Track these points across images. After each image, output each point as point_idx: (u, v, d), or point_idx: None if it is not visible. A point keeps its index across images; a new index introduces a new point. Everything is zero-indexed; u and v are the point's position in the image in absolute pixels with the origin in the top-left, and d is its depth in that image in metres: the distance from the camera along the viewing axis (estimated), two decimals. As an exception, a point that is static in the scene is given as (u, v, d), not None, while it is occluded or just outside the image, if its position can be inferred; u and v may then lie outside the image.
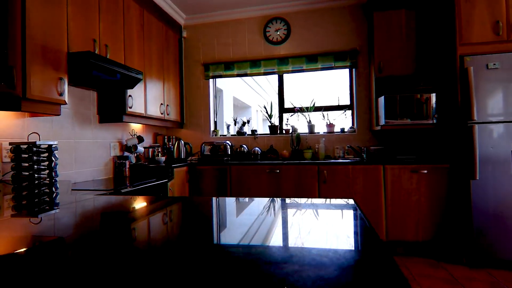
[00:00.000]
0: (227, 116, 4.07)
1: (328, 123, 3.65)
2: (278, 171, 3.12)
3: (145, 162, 3.45)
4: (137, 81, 2.63)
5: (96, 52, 2.33)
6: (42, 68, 1.88)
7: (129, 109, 2.74)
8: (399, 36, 3.10)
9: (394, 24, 3.11)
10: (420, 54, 3.06)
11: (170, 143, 3.72)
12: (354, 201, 0.94)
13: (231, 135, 3.97)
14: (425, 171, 2.80)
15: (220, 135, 3.98)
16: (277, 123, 3.85)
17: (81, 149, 2.59)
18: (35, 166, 1.87)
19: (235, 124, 3.96)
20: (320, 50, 3.60)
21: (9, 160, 1.91)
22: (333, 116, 3.68)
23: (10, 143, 1.89)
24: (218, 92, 4.73)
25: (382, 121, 3.05)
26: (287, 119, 3.78)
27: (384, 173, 2.89)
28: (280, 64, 3.69)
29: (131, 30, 2.81)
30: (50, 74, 1.94)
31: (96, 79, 2.33)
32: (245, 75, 3.84)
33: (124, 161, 2.93)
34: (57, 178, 2.02)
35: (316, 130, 3.69)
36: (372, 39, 3.23)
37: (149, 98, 3.09)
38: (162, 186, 2.60)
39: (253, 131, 3.83)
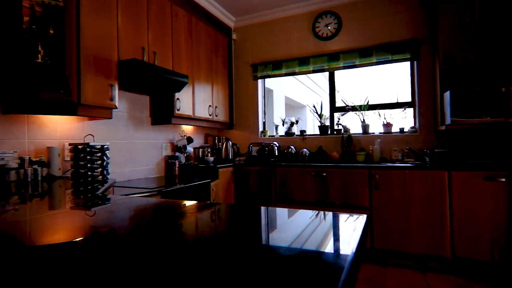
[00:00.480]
0: (278, 116, 4.00)
1: (385, 122, 3.31)
2: (324, 174, 2.94)
3: (195, 162, 3.59)
4: (183, 84, 2.75)
5: (145, 59, 2.49)
6: (94, 76, 2.08)
7: (177, 111, 2.88)
8: (468, 20, 2.63)
9: (463, 7, 2.65)
10: (494, 41, 2.55)
11: (220, 144, 3.82)
12: (366, 218, 0.80)
13: (280, 135, 3.89)
14: (503, 179, 2.32)
15: (269, 136, 3.94)
16: (328, 123, 3.64)
17: (134, 149, 2.82)
18: (88, 165, 2.07)
19: (283, 125, 3.87)
20: (374, 43, 3.28)
21: (69, 159, 2.17)
22: (390, 114, 3.32)
23: (70, 144, 2.13)
24: (268, 93, 4.70)
25: (448, 119, 2.63)
26: (338, 119, 3.55)
27: (449, 181, 2.48)
28: (330, 60, 3.48)
29: (179, 37, 2.95)
30: (102, 81, 2.14)
31: (144, 84, 2.50)
32: (293, 74, 3.72)
33: (174, 161, 3.10)
34: (108, 176, 2.22)
35: (370, 131, 3.38)
36: (435, 26, 2.81)
37: (197, 100, 3.21)
38: (204, 186, 2.66)
39: (302, 132, 3.69)
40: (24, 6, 1.94)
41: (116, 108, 2.27)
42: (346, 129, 3.44)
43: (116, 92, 2.25)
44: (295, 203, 3.06)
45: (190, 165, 3.18)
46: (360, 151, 3.24)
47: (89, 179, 2.06)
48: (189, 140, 3.29)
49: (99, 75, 2.12)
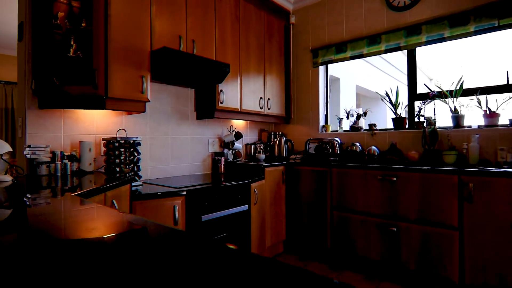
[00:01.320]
0: (344, 109, 3.42)
1: (488, 112, 2.44)
2: (394, 178, 2.31)
3: (245, 159, 3.34)
4: (224, 74, 2.49)
5: (181, 48, 2.32)
6: (124, 68, 1.98)
7: (220, 104, 2.65)
8: None
9: None
10: None
11: (276, 140, 3.47)
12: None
13: (344, 131, 3.32)
14: None
15: (331, 131, 3.40)
16: (406, 114, 2.92)
17: (178, 145, 2.70)
18: (117, 160, 1.99)
19: (347, 118, 3.28)
20: (472, 5, 2.44)
21: (102, 154, 2.14)
22: (496, 101, 2.43)
23: (103, 139, 2.10)
24: (333, 82, 4.10)
25: None
26: (419, 109, 2.79)
27: None
28: (409, 35, 2.75)
29: (223, 22, 2.71)
30: (132, 73, 2.03)
31: (179, 74, 2.33)
32: (361, 56, 3.10)
33: (220, 158, 2.89)
34: (140, 173, 2.12)
35: (465, 123, 2.55)
36: None
37: (245, 92, 2.93)
38: (242, 187, 2.36)
39: (371, 126, 3.05)
40: (60, 2, 1.96)
41: (149, 101, 2.15)
42: (430, 122, 2.68)
43: (148, 84, 2.12)
44: (355, 213, 2.50)
45: (233, 163, 2.93)
46: (449, 150, 2.46)
47: (117, 175, 1.98)
48: (238, 135, 3.04)
49: (129, 66, 2.02)
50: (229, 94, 2.75)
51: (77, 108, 1.93)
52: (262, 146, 3.36)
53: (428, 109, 2.78)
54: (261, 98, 3.12)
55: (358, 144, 2.99)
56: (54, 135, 1.98)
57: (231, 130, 3.10)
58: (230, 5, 2.79)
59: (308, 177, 2.82)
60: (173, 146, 2.67)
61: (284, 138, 3.33)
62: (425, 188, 2.17)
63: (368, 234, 2.43)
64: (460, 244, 2.01)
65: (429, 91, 2.72)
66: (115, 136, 2.19)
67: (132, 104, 2.09)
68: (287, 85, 3.61)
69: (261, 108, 3.12)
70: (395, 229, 2.30)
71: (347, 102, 4.19)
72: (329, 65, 3.53)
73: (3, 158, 1.55)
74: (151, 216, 1.78)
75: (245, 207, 2.32)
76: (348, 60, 3.21)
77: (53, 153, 1.88)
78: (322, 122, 3.47)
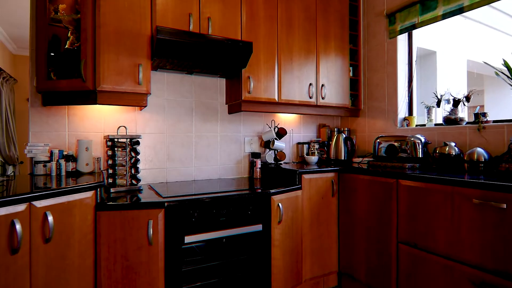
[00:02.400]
0: (441, 92, 2.30)
1: None
2: (504, 206, 1.31)
3: (296, 161, 2.72)
4: (244, 55, 1.98)
5: (191, 28, 1.93)
6: (116, 57, 1.74)
7: (247, 95, 2.15)
8: None
9: None
10: None
11: (333, 138, 2.71)
12: None
13: (435, 124, 2.29)
14: None
15: (417, 125, 2.41)
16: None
17: (203, 143, 2.34)
18: (109, 161, 1.76)
19: (437, 105, 2.23)
20: None
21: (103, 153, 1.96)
22: None
23: (104, 137, 1.91)
24: (426, 57, 2.92)
25: None
26: None
27: None
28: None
29: (252, -8, 2.19)
30: (126, 62, 1.76)
31: (189, 60, 1.94)
32: (460, 11, 2.03)
33: (255, 160, 2.39)
34: (138, 175, 1.84)
35: None
36: None
37: (285, 78, 2.32)
38: (259, 199, 1.79)
39: (478, 116, 1.96)
40: (62, -7, 1.86)
41: (149, 93, 1.84)
42: None
43: (145, 74, 1.82)
44: (435, 254, 1.59)
45: (269, 167, 2.37)
46: None
47: (109, 180, 1.75)
48: (280, 132, 2.47)
49: (123, 54, 1.76)
50: (261, 81, 2.21)
51: (70, 104, 1.78)
52: (316, 146, 2.67)
53: None
54: (310, 84, 2.44)
55: (453, 144, 1.96)
56: (57, 133, 1.90)
57: (274, 126, 2.54)
58: (263, -31, 2.24)
59: (366, 190, 2.01)
60: (197, 145, 2.32)
61: (343, 136, 2.54)
62: None
63: (456, 292, 1.49)
64: None
65: None
66: (135, 133, 1.99)
67: (129, 97, 1.82)
68: (355, 67, 2.79)
69: (310, 98, 2.45)
70: (505, 295, 1.31)
71: (450, 85, 2.94)
72: (414, 33, 2.52)
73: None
74: (120, 233, 1.45)
75: (258, 227, 1.74)
76: (440, 21, 2.17)
77: (51, 152, 1.79)
78: (404, 113, 2.51)
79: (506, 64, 1.78)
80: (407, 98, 2.52)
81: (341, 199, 2.20)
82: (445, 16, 2.10)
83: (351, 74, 2.77)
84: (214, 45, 1.86)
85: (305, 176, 2.07)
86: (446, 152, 1.96)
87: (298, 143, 2.75)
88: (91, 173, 1.87)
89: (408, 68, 2.53)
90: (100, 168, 1.95)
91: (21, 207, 1.13)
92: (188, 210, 1.56)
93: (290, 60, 2.35)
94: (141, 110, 2.13)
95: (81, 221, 1.38)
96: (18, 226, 1.10)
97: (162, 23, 1.85)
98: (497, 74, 1.86)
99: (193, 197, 1.61)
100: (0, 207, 1.06)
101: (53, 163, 1.76)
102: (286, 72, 2.33)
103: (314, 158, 2.53)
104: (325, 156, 2.67)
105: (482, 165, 1.77)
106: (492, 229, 1.36)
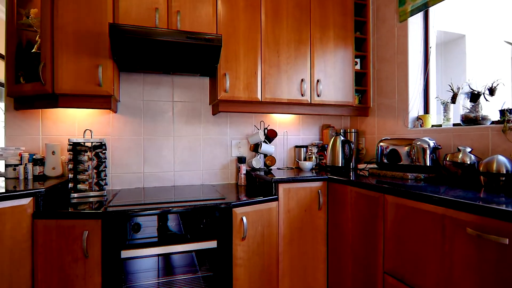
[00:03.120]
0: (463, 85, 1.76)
1: None
2: (506, 241, 0.93)
3: (292, 166, 2.45)
4: (214, 50, 1.78)
5: (157, 24, 1.80)
6: (75, 58, 1.68)
7: (223, 94, 1.96)
8: None
9: None
10: None
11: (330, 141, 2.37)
12: None
13: (454, 124, 1.84)
14: None
15: (433, 126, 1.97)
16: None
17: (183, 147, 2.21)
18: (79, 166, 1.71)
19: (453, 101, 1.77)
20: None
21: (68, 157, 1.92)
22: None
23: (68, 141, 1.88)
24: (451, 43, 2.35)
25: None
26: None
27: None
28: None
29: (230, -19, 1.98)
30: (85, 63, 1.70)
31: (154, 59, 1.82)
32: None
33: (240, 165, 2.19)
34: (105, 180, 1.77)
35: None
36: None
37: (271, 74, 2.07)
38: (217, 211, 1.58)
39: (503, 113, 1.50)
40: (35, -2, 1.87)
41: (111, 94, 1.76)
42: None
43: (106, 74, 1.73)
44: (423, 293, 1.22)
45: (250, 175, 2.13)
46: None
47: (70, 184, 1.70)
48: (269, 135, 2.23)
49: (82, 55, 1.70)
50: (240, 78, 2.00)
51: (34, 108, 1.78)
52: (315, 150, 2.36)
53: None
54: (302, 80, 2.15)
55: (468, 150, 1.54)
56: (31, 137, 1.92)
57: (262, 128, 2.30)
58: (243, -45, 2.02)
59: (353, 204, 1.67)
60: (177, 148, 2.19)
61: (341, 138, 2.19)
62: None
63: None
64: None
65: None
66: (80, 137, 1.94)
67: (92, 100, 1.76)
68: (362, 58, 2.41)
69: (302, 95, 2.16)
70: None
71: (485, 74, 2.33)
72: (431, 15, 2.07)
73: None
74: (57, 243, 1.37)
75: (212, 243, 1.53)
76: (456, -6, 1.72)
77: (21, 156, 1.81)
78: (417, 111, 2.08)
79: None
80: (421, 93, 2.08)
81: (330, 213, 1.88)
82: (462, -13, 1.67)
83: (358, 66, 2.40)
84: (169, 42, 1.69)
85: (283, 186, 1.80)
86: (459, 161, 1.54)
87: (296, 147, 2.47)
88: (59, 177, 1.85)
89: (424, 57, 2.09)
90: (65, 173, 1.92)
91: None
92: (128, 222, 1.43)
93: (276, 53, 2.09)
94: (115, 112, 2.06)
95: (13, 229, 1.33)
96: None
97: (124, 20, 1.75)
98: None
99: (137, 207, 1.47)
100: None
101: (21, 167, 1.77)
102: (272, 67, 2.08)
103: (308, 164, 2.23)
104: (324, 161, 2.35)
105: (504, 178, 1.34)
106: (491, 270, 0.97)
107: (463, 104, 1.74)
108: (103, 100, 1.78)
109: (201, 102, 2.26)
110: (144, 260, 1.56)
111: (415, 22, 2.07)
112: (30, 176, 1.79)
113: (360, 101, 2.43)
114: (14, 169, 1.79)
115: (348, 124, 2.66)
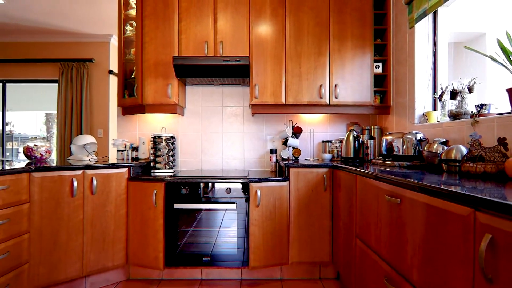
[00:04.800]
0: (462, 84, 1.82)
1: None
2: (398, 201, 1.28)
3: (317, 158, 2.88)
4: (243, 68, 2.42)
5: (206, 53, 2.55)
6: (154, 80, 2.57)
7: (254, 100, 2.58)
8: None
9: None
10: None
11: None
12: None
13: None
14: None
15: (438, 121, 2.16)
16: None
17: (230, 141, 2.91)
18: (157, 152, 2.60)
19: (439, 99, 1.94)
20: None
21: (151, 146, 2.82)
22: None
23: (152, 136, 2.78)
24: (472, 41, 2.30)
25: None
26: None
27: None
28: None
29: (259, 13, 2.58)
30: (160, 83, 2.57)
31: (206, 76, 2.55)
32: (458, -11, 1.76)
33: (272, 155, 2.76)
34: (174, 163, 2.60)
35: None
36: None
37: (292, 82, 2.59)
38: (244, 186, 2.20)
39: (479, 107, 1.68)
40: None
41: (176, 104, 2.58)
42: None
43: (175, 89, 2.56)
44: (370, 249, 1.58)
45: (279, 163, 2.66)
46: None
47: (151, 164, 2.59)
48: (295, 131, 2.74)
49: (158, 78, 2.57)
50: (267, 87, 2.58)
51: (132, 114, 2.73)
52: (337, 144, 2.75)
53: None
54: (321, 85, 2.59)
55: (441, 140, 1.77)
56: (131, 132, 2.91)
57: (290, 126, 2.82)
58: (271, -9, 2.60)
59: (343, 186, 2.06)
60: (226, 142, 2.91)
61: (354, 133, 2.52)
62: (430, 224, 1.06)
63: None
64: None
65: None
66: (159, 133, 2.81)
67: (164, 107, 2.61)
68: (384, 62, 2.68)
69: (321, 98, 2.59)
70: (397, 292, 1.27)
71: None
72: (440, 19, 2.24)
73: (86, 147, 2.61)
74: (137, 195, 2.23)
75: (232, 205, 2.17)
76: (443, 4, 1.92)
77: (125, 145, 2.80)
78: (423, 108, 2.28)
79: (500, 43, 1.51)
80: (431, 91, 2.27)
81: (334, 194, 2.28)
82: (446, -2, 1.88)
83: (380, 70, 2.68)
84: (214, 65, 2.40)
85: (293, 170, 2.30)
86: (434, 150, 1.79)
87: (323, 141, 2.89)
88: (146, 159, 2.77)
89: (433, 59, 2.27)
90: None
91: (78, 172, 2.05)
92: (180, 186, 2.18)
93: (298, 65, 2.59)
94: (182, 116, 2.90)
95: (117, 186, 2.24)
96: (76, 183, 2.01)
97: (185, 52, 2.55)
98: (491, 59, 1.57)
99: (188, 178, 2.22)
100: (66, 171, 1.99)
101: (125, 152, 2.76)
102: (294, 76, 2.59)
103: (327, 156, 2.64)
104: (348, 154, 2.70)
105: (458, 164, 1.57)
106: (393, 225, 1.33)
107: (450, 102, 1.92)
108: (171, 107, 2.62)
109: (243, 106, 2.92)
110: (192, 212, 2.29)
111: (422, 28, 2.28)
112: (129, 157, 2.76)
113: (382, 100, 2.69)
114: (122, 153, 2.78)
115: (374, 122, 2.93)
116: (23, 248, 1.83)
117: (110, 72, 4.77)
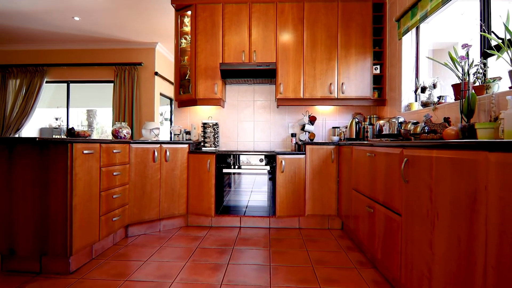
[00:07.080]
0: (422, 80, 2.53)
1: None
2: (373, 155, 2.06)
3: (328, 140, 3.66)
4: (271, 71, 3.24)
5: (243, 60, 3.39)
6: (204, 80, 3.43)
7: (279, 95, 3.39)
8: None
9: None
10: None
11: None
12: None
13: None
14: None
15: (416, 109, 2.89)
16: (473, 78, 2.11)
17: (259, 127, 3.74)
18: (206, 135, 3.47)
19: (415, 92, 2.67)
20: None
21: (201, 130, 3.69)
22: None
23: (202, 123, 3.64)
24: (449, 48, 2.99)
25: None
26: (484, 66, 1.97)
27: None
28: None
29: (284, 27, 3.39)
30: (209, 82, 3.43)
31: (242, 77, 3.39)
32: (427, 15, 2.50)
33: (292, 138, 3.57)
34: (218, 143, 3.47)
35: (526, 79, 1.63)
36: None
37: (309, 81, 3.38)
38: (270, 156, 3.03)
39: (438, 98, 2.42)
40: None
41: (220, 98, 3.44)
42: (488, 86, 1.89)
43: (219, 87, 3.42)
44: (360, 194, 2.37)
45: (298, 144, 3.46)
46: (487, 122, 1.74)
47: (201, 143, 3.47)
48: (311, 119, 3.53)
49: (207, 79, 3.44)
50: (289, 85, 3.39)
51: (187, 106, 3.61)
52: (343, 129, 3.52)
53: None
54: (331, 84, 3.37)
55: (412, 121, 2.52)
56: (184, 121, 3.80)
57: (307, 115, 3.61)
58: (292, 11, 3.40)
59: (344, 157, 2.84)
60: (256, 128, 3.74)
61: (356, 120, 3.28)
62: (386, 166, 1.85)
63: (363, 216, 2.26)
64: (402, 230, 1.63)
65: (500, 38, 1.91)
66: (208, 121, 3.68)
67: (211, 101, 3.48)
68: (381, 65, 3.42)
69: (331, 93, 3.38)
70: (372, 210, 2.06)
71: None
72: (422, 33, 2.96)
73: (153, 130, 3.51)
74: (196, 162, 3.10)
75: (264, 171, 3.00)
76: (419, 24, 2.66)
77: (180, 130, 3.69)
78: (408, 100, 3.02)
79: (453, 53, 2.25)
80: (414, 88, 3.00)
81: (340, 165, 3.07)
82: (420, 20, 2.62)
83: (378, 71, 3.42)
84: (249, 69, 3.24)
85: (308, 147, 3.10)
86: (408, 129, 2.54)
87: (333, 127, 3.66)
88: (197, 140, 3.64)
89: (416, 62, 3.00)
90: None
91: (157, 146, 2.95)
92: (226, 157, 3.04)
93: (313, 68, 3.38)
94: (223, 108, 3.76)
95: (181, 156, 3.12)
96: (156, 153, 2.91)
97: (226, 60, 3.40)
98: (446, 65, 2.31)
99: (232, 151, 3.07)
100: (150, 144, 2.89)
101: (180, 135, 3.65)
102: (310, 77, 3.38)
103: (335, 138, 3.42)
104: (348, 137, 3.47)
105: (418, 136, 2.32)
106: (371, 171, 2.11)
107: (425, 94, 2.66)
108: (217, 101, 3.48)
109: (270, 100, 3.74)
110: (234, 175, 3.14)
111: (407, 39, 3.01)
112: (184, 139, 3.64)
113: (379, 95, 3.43)
114: (178, 136, 3.67)
115: (374, 112, 3.67)
116: (125, 194, 2.74)
117: (156, 73, 5.71)
